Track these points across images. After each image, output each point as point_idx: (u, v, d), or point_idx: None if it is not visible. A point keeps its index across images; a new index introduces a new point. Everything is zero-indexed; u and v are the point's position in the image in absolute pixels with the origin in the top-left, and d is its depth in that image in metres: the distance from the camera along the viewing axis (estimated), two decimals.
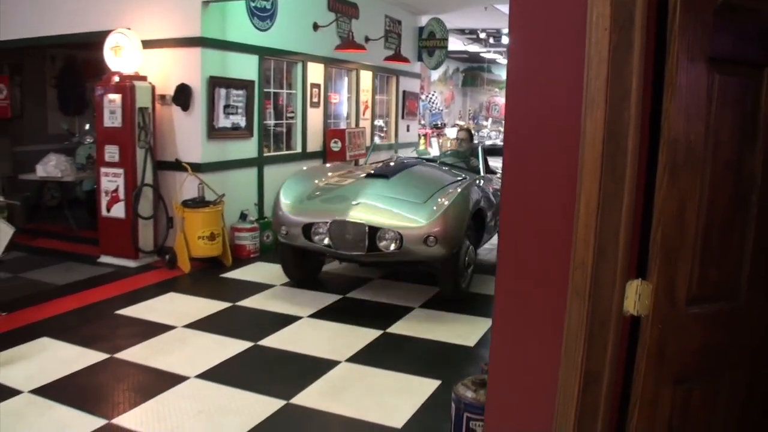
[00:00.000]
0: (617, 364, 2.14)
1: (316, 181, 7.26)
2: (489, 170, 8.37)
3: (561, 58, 2.10)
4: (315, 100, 10.31)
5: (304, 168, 8.06)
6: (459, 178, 7.37)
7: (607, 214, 2.00)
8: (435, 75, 24.60)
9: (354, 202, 6.43)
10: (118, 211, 7.83)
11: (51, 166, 9.17)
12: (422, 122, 20.28)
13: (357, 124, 11.80)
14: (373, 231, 6.17)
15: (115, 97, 7.62)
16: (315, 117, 10.39)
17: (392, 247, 6.12)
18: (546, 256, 2.20)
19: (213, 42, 7.82)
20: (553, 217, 2.17)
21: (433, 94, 24.36)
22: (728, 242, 2.21)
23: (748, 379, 2.41)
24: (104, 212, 7.93)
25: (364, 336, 5.64)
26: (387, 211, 6.33)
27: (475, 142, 9.98)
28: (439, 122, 23.45)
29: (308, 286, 7.14)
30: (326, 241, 6.35)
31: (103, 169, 7.89)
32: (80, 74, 11.10)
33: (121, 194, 7.80)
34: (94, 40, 7.97)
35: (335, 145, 10.41)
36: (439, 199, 6.40)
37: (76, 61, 11.19)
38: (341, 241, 6.29)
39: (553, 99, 2.15)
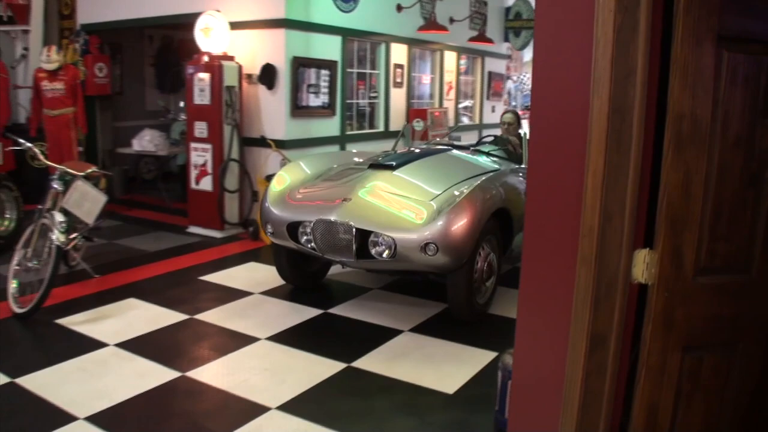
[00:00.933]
0: (625, 329, 2.30)
1: (326, 169, 6.30)
2: None
3: (575, 41, 2.26)
4: (398, 80, 10.53)
5: (325, 152, 7.70)
6: (489, 170, 6.07)
7: (612, 185, 2.16)
8: (527, 56, 24.41)
9: (344, 198, 5.36)
10: (206, 184, 8.28)
11: (146, 141, 9.75)
12: (513, 103, 20.21)
13: (440, 105, 11.97)
14: (365, 234, 5.13)
15: (205, 76, 8.03)
16: (398, 97, 10.62)
17: (386, 254, 5.06)
18: (562, 226, 2.37)
19: (297, 23, 8.12)
20: (570, 191, 2.33)
21: (524, 75, 24.20)
22: (739, 217, 2.32)
23: (764, 352, 2.51)
24: (193, 185, 8.41)
25: (313, 372, 4.46)
26: (381, 210, 5.26)
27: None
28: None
29: (298, 294, 6.10)
30: (312, 243, 5.34)
31: (192, 144, 8.35)
32: (176, 54, 11.63)
33: (209, 168, 8.23)
34: (187, 22, 8.38)
35: (417, 125, 10.61)
36: (450, 197, 5.26)
37: (172, 41, 11.73)
38: (327, 245, 5.24)
39: (569, 80, 2.31)
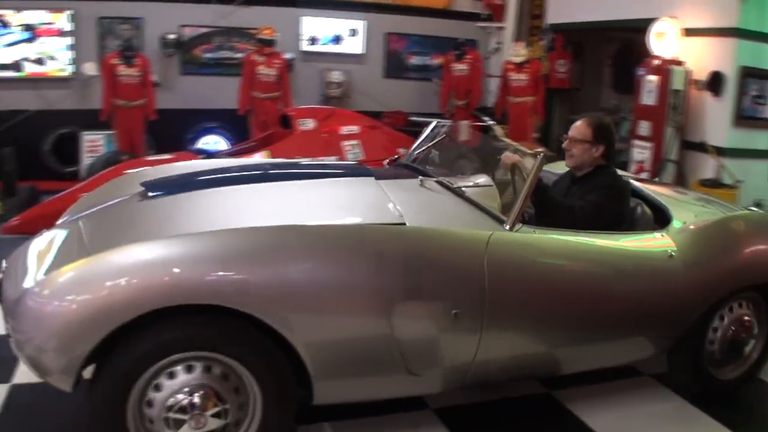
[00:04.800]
0: None
1: None
2: None
3: None
4: None
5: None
6: None
7: None
8: None
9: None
10: None
11: None
12: None
13: None
14: None
15: (653, 79, 8.45)
16: None
17: None
18: None
19: (749, 33, 8.06)
20: None
21: None
22: None
23: None
24: None
25: None
26: None
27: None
28: None
29: None
30: None
31: (635, 141, 8.84)
32: (634, 56, 12.09)
33: (646, 166, 8.65)
34: (644, 26, 8.83)
35: None
36: None
37: (631, 44, 12.20)
38: None
39: None
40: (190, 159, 6.89)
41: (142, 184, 3.98)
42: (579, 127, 4.17)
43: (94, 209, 3.91)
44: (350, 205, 3.82)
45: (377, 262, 3.10)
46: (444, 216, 3.65)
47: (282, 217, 3.37)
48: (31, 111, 9.70)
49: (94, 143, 9.66)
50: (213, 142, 10.50)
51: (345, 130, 8.23)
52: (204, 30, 10.72)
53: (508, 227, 3.48)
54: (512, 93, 10.11)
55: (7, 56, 9.58)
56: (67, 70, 9.91)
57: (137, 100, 9.06)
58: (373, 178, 4.09)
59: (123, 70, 8.95)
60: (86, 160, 9.42)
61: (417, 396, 3.73)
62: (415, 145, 4.86)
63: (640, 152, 8.71)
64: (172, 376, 2.84)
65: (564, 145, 4.22)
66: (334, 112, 8.89)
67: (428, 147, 4.77)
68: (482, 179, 4.08)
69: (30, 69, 9.75)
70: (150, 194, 3.84)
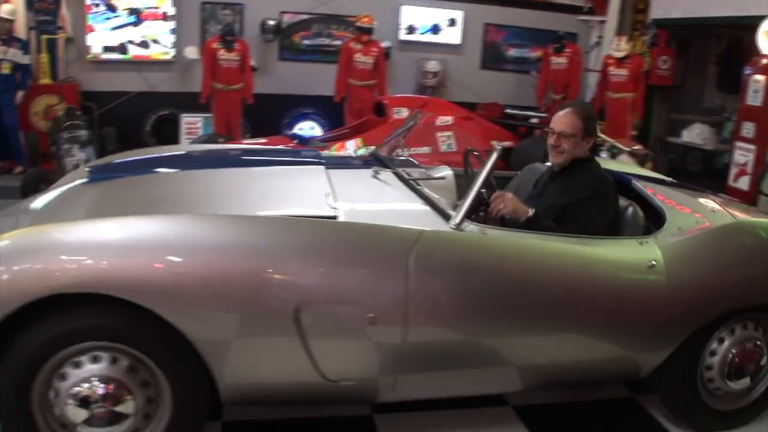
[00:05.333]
0: None
1: None
2: None
3: None
4: None
5: None
6: None
7: None
8: None
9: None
10: (743, 183, 8.42)
11: (695, 134, 10.20)
12: None
13: None
14: None
15: (761, 78, 8.13)
16: None
17: None
18: None
19: None
20: None
21: None
22: None
23: None
24: (731, 182, 8.62)
25: None
26: None
27: None
28: None
29: None
30: None
31: (737, 143, 8.54)
32: (743, 55, 11.65)
33: (749, 169, 8.35)
34: (755, 24, 8.49)
35: None
36: None
37: (740, 42, 11.76)
38: None
39: None
40: (284, 143, 6.96)
41: (87, 168, 3.97)
42: (567, 120, 3.57)
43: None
44: (287, 195, 3.60)
45: (297, 258, 2.84)
46: (384, 210, 3.41)
47: (211, 205, 3.32)
48: (133, 92, 10.06)
49: (192, 125, 9.94)
50: (308, 127, 10.61)
51: (439, 120, 8.16)
52: (303, 16, 10.86)
53: (454, 224, 3.11)
54: (611, 88, 9.85)
55: (113, 39, 9.95)
56: (170, 54, 10.23)
57: (236, 84, 9.19)
58: (323, 167, 3.92)
59: (223, 54, 9.10)
60: (184, 141, 9.68)
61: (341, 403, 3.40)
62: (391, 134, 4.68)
63: (743, 155, 8.41)
64: (78, 365, 2.72)
65: (550, 141, 3.64)
66: (430, 102, 8.87)
67: (400, 136, 4.51)
68: (443, 172, 3.86)
69: (134, 52, 10.11)
70: (89, 179, 3.85)
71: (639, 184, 4.06)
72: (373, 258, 2.92)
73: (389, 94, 9.56)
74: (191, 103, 9.63)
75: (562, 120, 3.59)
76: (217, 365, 2.77)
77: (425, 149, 7.68)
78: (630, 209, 3.71)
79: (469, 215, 3.19)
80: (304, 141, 7.79)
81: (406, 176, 3.77)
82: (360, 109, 9.53)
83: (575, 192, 3.53)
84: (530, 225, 3.38)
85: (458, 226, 3.10)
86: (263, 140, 7.61)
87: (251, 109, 9.52)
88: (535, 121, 9.51)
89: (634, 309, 3.26)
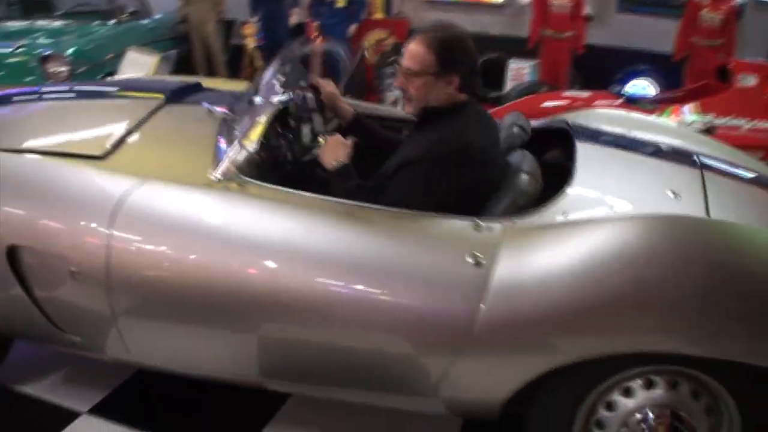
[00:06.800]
0: None
1: None
2: None
3: None
4: None
5: None
6: None
7: None
8: None
9: None
10: None
11: None
12: None
13: None
14: None
15: None
16: None
17: None
18: None
19: None
20: None
21: None
22: None
23: None
24: None
25: None
26: None
27: None
28: None
29: None
30: None
31: None
32: None
33: None
34: None
35: None
36: None
37: None
38: None
39: None
40: (607, 99, 6.58)
41: None
42: (413, 52, 2.63)
43: None
44: (84, 130, 3.15)
45: (42, 197, 2.68)
46: (167, 156, 2.93)
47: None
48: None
49: (519, 71, 9.68)
50: (641, 86, 9.80)
51: None
52: None
53: (215, 176, 2.64)
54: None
55: None
56: None
57: (566, 31, 8.88)
58: (162, 100, 3.30)
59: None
60: (509, 86, 9.49)
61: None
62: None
63: None
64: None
65: (395, 83, 2.90)
66: None
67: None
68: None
69: None
70: None
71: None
72: (82, 205, 2.64)
73: (737, 58, 8.50)
74: (520, 48, 9.44)
75: (409, 52, 2.67)
76: None
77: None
78: (518, 177, 2.62)
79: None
80: (632, 100, 7.22)
81: (226, 117, 3.17)
82: (701, 71, 8.66)
83: (407, 153, 2.69)
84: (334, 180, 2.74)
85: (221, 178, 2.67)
86: (586, 94, 7.18)
87: (582, 60, 9.15)
88: None
89: (437, 321, 2.35)
